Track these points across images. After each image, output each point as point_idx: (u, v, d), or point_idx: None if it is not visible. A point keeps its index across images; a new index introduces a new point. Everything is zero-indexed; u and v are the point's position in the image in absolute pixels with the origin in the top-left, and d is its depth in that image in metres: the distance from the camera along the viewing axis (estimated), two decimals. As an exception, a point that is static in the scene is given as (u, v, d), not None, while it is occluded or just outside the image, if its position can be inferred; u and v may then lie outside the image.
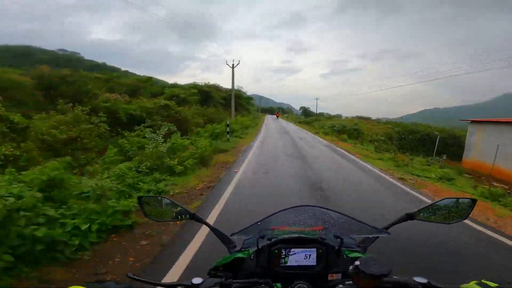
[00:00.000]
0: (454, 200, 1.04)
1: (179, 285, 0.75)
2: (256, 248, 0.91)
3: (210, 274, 0.91)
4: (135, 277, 0.72)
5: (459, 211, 1.02)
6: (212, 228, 1.09)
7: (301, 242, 0.91)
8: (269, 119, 48.22)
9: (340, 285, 0.80)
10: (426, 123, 38.47)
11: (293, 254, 0.89)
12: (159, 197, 1.13)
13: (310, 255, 0.90)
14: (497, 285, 0.65)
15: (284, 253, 0.89)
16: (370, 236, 1.03)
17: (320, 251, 0.90)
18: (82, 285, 0.61)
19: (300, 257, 0.89)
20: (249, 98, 52.49)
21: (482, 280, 0.67)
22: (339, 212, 1.04)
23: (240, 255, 0.96)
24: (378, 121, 42.85)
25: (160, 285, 0.74)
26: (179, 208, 1.07)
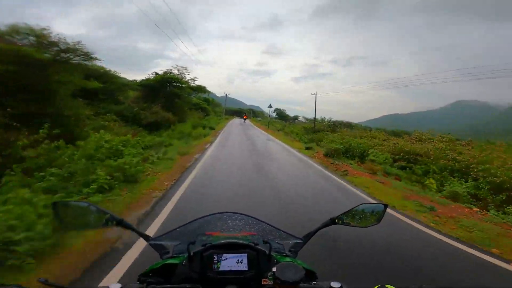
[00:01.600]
0: (370, 205, 1.16)
1: None
2: (187, 254, 0.91)
3: (139, 280, 0.90)
4: (45, 281, 0.72)
5: (373, 215, 1.15)
6: (141, 234, 1.05)
7: (232, 247, 0.93)
8: (232, 125, 32.49)
9: None
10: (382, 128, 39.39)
11: (225, 259, 0.91)
12: (80, 203, 1.02)
13: (241, 260, 0.92)
14: None
15: (216, 259, 0.91)
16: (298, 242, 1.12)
17: (251, 256, 0.92)
18: None
19: (232, 262, 0.91)
20: (209, 100, 43.41)
21: (386, 285, 0.73)
22: (264, 222, 1.12)
23: (171, 261, 0.96)
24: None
25: None
26: (104, 214, 0.99)
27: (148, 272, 0.95)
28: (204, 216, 1.11)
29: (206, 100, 40.78)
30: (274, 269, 0.78)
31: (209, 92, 31.86)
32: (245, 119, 48.93)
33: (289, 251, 1.09)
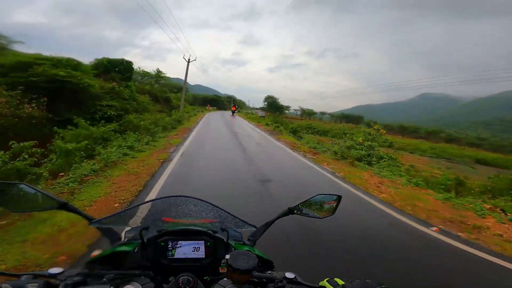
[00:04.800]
0: (325, 196, 1.17)
1: (38, 275, 0.72)
2: (140, 241, 0.89)
3: (87, 267, 0.83)
4: None
5: (328, 206, 1.18)
6: (90, 219, 0.97)
7: (189, 234, 0.92)
8: (210, 125, 19.28)
9: (220, 280, 0.79)
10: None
11: (180, 247, 0.89)
12: (18, 184, 0.95)
13: (198, 247, 0.91)
14: (343, 283, 0.74)
15: (171, 246, 0.89)
16: (256, 229, 1.11)
17: (208, 243, 0.91)
18: None
19: (188, 250, 0.90)
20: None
21: (335, 278, 0.76)
22: (221, 208, 1.05)
23: (123, 248, 0.93)
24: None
25: (15, 275, 0.71)
26: (44, 196, 0.94)
27: (95, 260, 0.91)
28: (156, 199, 1.03)
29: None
30: (227, 256, 0.77)
31: (167, 78, 29.02)
32: (233, 112, 38.83)
33: (248, 240, 1.09)
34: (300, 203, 1.13)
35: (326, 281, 0.76)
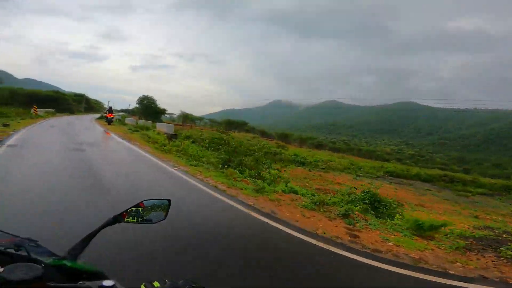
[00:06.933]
0: (153, 201, 1.16)
1: None
2: None
3: None
4: None
5: (159, 211, 1.17)
6: None
7: None
8: None
9: None
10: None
11: None
12: None
13: None
14: (159, 285, 0.75)
15: None
16: (79, 243, 1.00)
17: (6, 263, 0.77)
18: None
19: None
20: None
21: (153, 282, 0.76)
22: (3, 231, 0.93)
23: None
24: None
25: None
26: None
27: None
28: None
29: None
30: (0, 269, 0.69)
31: None
32: (110, 120, 24.74)
33: (69, 254, 0.96)
34: (127, 209, 1.09)
35: (144, 285, 0.75)
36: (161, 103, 41.10)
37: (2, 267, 0.70)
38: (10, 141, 8.56)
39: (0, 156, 6.66)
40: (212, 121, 63.05)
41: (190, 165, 9.10)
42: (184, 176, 7.49)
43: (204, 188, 6.54)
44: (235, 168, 8.86)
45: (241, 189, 6.66)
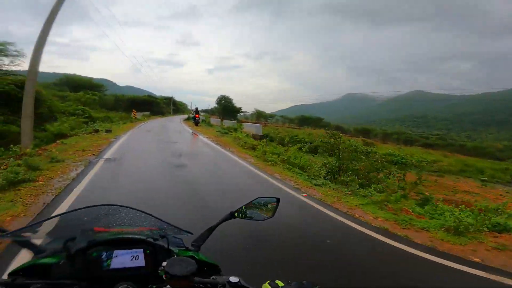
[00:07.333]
0: (265, 198, 1.20)
1: None
2: (65, 253, 0.81)
3: (10, 278, 0.77)
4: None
5: (268, 208, 1.21)
6: (2, 231, 0.88)
7: (124, 243, 0.86)
8: None
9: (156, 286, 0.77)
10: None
11: (116, 257, 0.82)
12: None
13: (137, 256, 0.85)
14: (283, 284, 0.76)
15: (105, 256, 0.81)
16: (201, 236, 1.09)
17: (148, 251, 0.87)
18: None
19: (126, 259, 0.83)
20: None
21: (276, 281, 0.77)
22: (153, 216, 1.00)
23: (45, 260, 0.84)
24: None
25: None
26: None
27: (18, 271, 0.82)
28: (81, 208, 0.91)
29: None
30: (164, 263, 0.77)
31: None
32: (197, 121, 24.63)
33: (192, 245, 1.06)
34: (241, 207, 1.16)
35: (268, 283, 0.77)
36: (235, 102, 42.98)
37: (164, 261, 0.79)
38: (109, 153, 8.23)
39: (95, 174, 5.71)
40: (284, 118, 62.31)
41: (315, 185, 6.72)
42: (325, 210, 4.85)
43: (375, 235, 3.94)
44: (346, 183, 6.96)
45: (427, 230, 4.25)
